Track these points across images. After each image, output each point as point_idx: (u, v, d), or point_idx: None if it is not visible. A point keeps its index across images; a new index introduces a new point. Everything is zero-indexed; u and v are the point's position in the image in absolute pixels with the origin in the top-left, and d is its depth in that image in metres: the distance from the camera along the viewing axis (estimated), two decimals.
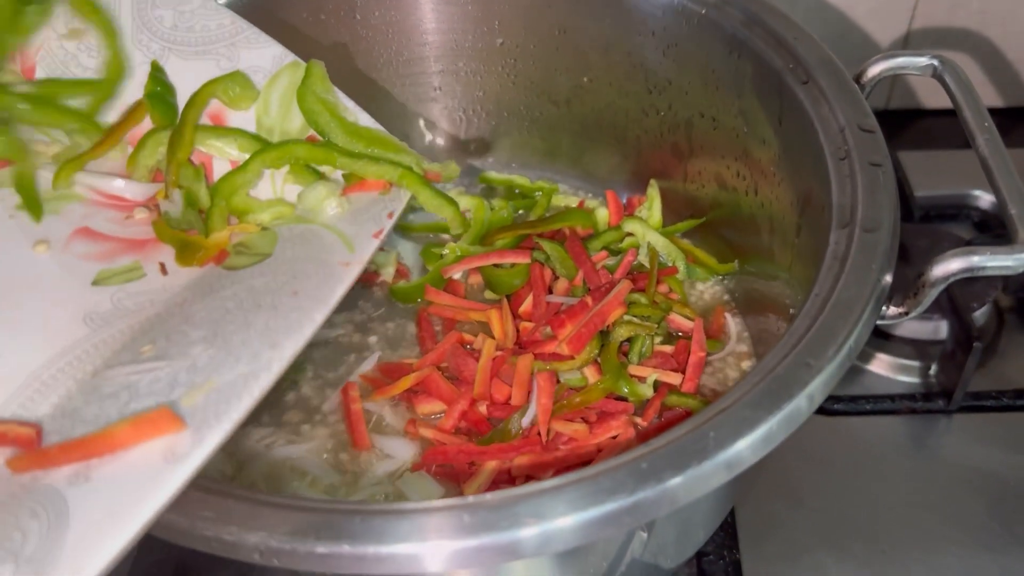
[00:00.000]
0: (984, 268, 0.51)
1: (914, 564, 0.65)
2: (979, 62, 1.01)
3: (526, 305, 0.70)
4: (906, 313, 0.54)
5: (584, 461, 0.60)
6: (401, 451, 0.64)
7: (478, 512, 0.41)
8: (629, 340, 0.68)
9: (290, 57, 0.70)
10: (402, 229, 0.82)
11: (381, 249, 0.79)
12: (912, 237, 0.81)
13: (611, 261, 0.75)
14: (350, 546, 0.40)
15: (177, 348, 0.53)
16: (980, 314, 0.77)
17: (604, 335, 0.67)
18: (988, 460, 0.72)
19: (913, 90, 1.04)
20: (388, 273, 0.77)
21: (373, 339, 0.72)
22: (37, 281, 0.59)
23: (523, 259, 0.74)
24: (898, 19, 0.98)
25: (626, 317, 0.68)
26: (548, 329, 0.68)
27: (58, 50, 0.69)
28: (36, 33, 0.69)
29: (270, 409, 0.67)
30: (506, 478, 0.60)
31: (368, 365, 0.69)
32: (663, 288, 0.74)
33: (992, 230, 0.88)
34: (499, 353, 0.66)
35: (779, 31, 0.66)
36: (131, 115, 0.69)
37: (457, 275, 0.76)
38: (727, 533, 0.67)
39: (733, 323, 0.73)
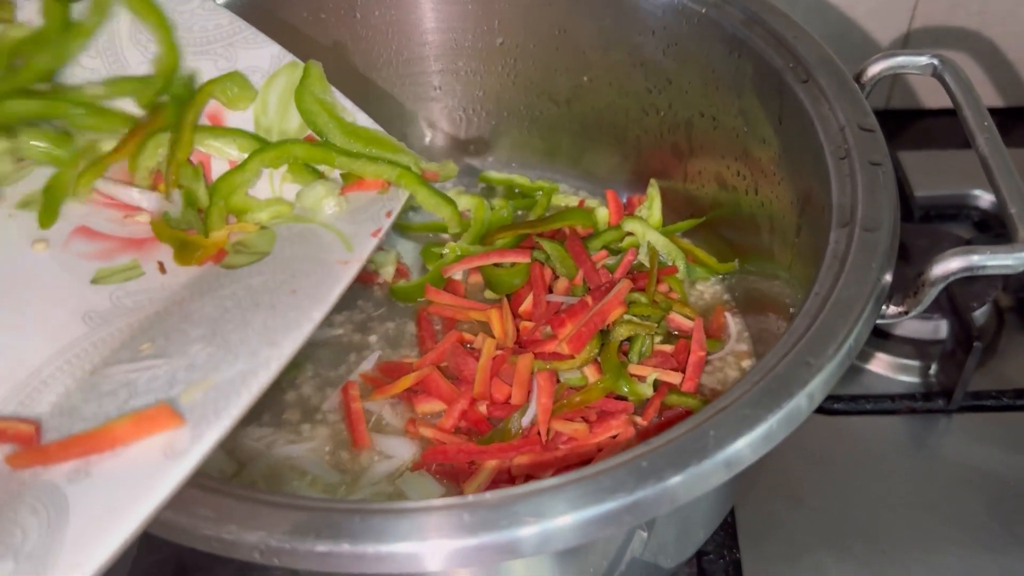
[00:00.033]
0: (984, 267, 0.51)
1: (914, 564, 0.65)
2: (979, 62, 1.01)
3: (526, 304, 0.70)
4: (906, 312, 0.54)
5: (584, 460, 0.60)
6: (401, 450, 0.64)
7: (478, 511, 0.41)
8: (629, 339, 0.68)
9: (288, 57, 0.70)
10: (402, 228, 0.82)
11: (380, 248, 0.79)
12: (912, 237, 0.81)
13: (611, 260, 0.75)
14: (350, 545, 0.40)
15: (176, 346, 0.53)
16: (980, 314, 0.77)
17: (604, 334, 0.67)
18: (988, 460, 0.72)
19: (913, 90, 1.04)
20: (388, 272, 0.77)
21: (373, 338, 0.72)
22: (36, 280, 0.59)
23: (523, 258, 0.74)
24: (898, 18, 0.98)
25: (626, 316, 0.68)
26: (548, 328, 0.68)
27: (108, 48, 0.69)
28: (97, 33, 0.69)
29: (270, 408, 0.67)
30: (506, 477, 0.60)
31: (368, 364, 0.69)
32: (663, 287, 0.74)
33: (992, 230, 0.88)
34: (499, 352, 0.66)
35: (779, 30, 0.66)
36: (156, 117, 0.68)
37: (457, 274, 0.76)
38: (727, 532, 0.67)
39: (733, 322, 0.73)
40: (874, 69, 0.66)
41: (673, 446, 0.43)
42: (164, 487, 0.43)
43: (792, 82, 0.63)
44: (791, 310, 0.61)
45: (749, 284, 0.73)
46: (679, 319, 0.70)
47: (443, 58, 0.83)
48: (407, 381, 0.65)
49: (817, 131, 0.60)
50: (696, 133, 0.76)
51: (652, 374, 0.65)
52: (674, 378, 0.66)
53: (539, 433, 0.61)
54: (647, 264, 0.74)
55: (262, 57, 0.70)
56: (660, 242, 0.76)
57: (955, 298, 0.75)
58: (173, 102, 0.68)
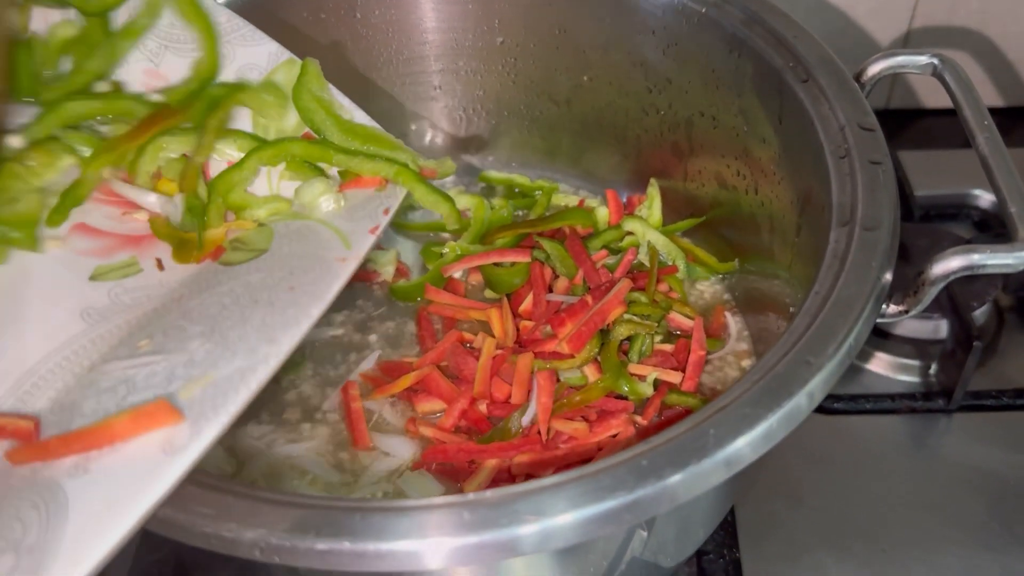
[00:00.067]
0: (984, 266, 0.51)
1: (914, 563, 0.65)
2: (979, 61, 1.01)
3: (526, 304, 0.70)
4: (906, 311, 0.54)
5: (584, 460, 0.60)
6: (401, 450, 0.64)
7: (478, 509, 0.41)
8: (629, 339, 0.68)
9: (286, 54, 0.70)
10: (402, 228, 0.82)
11: (380, 248, 0.79)
12: (912, 236, 0.81)
13: (611, 260, 0.75)
14: (350, 543, 0.40)
15: (174, 343, 0.53)
16: (980, 313, 0.77)
17: (604, 334, 0.67)
18: (988, 459, 0.72)
19: (913, 90, 1.04)
20: (388, 272, 0.77)
21: (373, 338, 0.72)
22: (35, 276, 0.59)
23: (523, 258, 0.74)
24: (898, 18, 0.98)
25: (626, 316, 0.68)
26: (548, 328, 0.68)
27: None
28: (148, 34, 0.69)
29: (270, 407, 0.67)
30: (506, 477, 0.60)
31: (368, 364, 0.69)
32: (663, 287, 0.74)
33: (992, 229, 0.88)
34: (499, 352, 0.66)
35: (779, 30, 0.66)
36: (166, 115, 0.67)
37: (457, 274, 0.76)
38: (727, 532, 0.67)
39: (733, 322, 0.73)
40: (874, 68, 0.66)
41: (673, 445, 0.43)
42: (163, 483, 0.43)
43: (792, 81, 0.63)
44: (791, 309, 0.61)
45: (749, 283, 0.73)
46: (679, 318, 0.70)
47: (443, 57, 0.83)
48: (407, 380, 0.65)
49: (817, 130, 0.60)
50: (696, 132, 0.76)
51: (652, 373, 0.65)
52: (674, 377, 0.66)
53: (539, 432, 0.61)
54: (647, 263, 0.75)
55: (259, 54, 0.70)
56: (660, 241, 0.76)
57: (955, 298, 0.75)
58: (201, 103, 0.68)
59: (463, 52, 0.83)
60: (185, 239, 0.64)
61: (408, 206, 0.84)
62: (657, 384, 0.65)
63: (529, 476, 0.59)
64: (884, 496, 0.69)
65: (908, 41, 1.00)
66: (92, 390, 0.51)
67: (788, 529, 0.67)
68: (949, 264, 0.51)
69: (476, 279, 0.76)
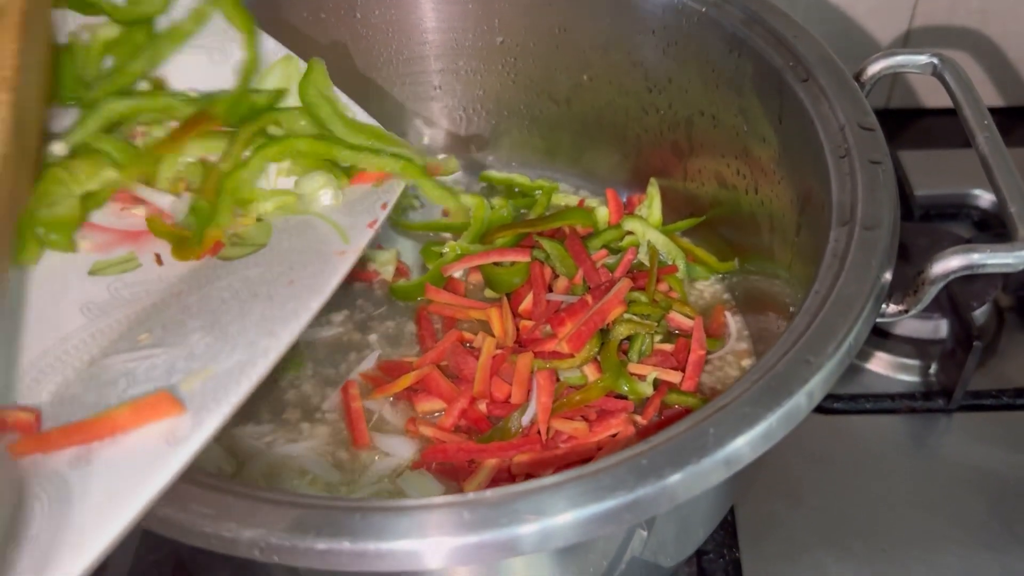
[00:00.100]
0: (984, 265, 0.51)
1: (914, 563, 0.65)
2: (979, 61, 1.01)
3: (526, 303, 0.70)
4: (906, 311, 0.54)
5: (584, 459, 0.60)
6: (401, 449, 0.64)
7: (478, 509, 0.41)
8: (629, 338, 0.68)
9: (283, 51, 0.70)
10: (402, 227, 0.82)
11: (380, 247, 0.79)
12: (912, 236, 0.81)
13: (611, 259, 0.75)
14: (350, 542, 0.40)
15: (174, 337, 0.54)
16: (980, 313, 0.77)
17: (604, 333, 0.67)
18: (988, 459, 0.72)
19: (913, 89, 1.04)
20: (388, 271, 0.77)
21: (373, 337, 0.72)
22: (34, 271, 0.59)
23: (523, 257, 0.74)
24: (898, 17, 0.98)
25: (626, 315, 0.68)
26: (548, 327, 0.68)
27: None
28: (196, 36, 0.69)
29: (270, 407, 0.67)
30: (506, 476, 0.60)
31: (368, 363, 0.69)
32: (663, 286, 0.74)
33: (992, 229, 0.88)
34: (499, 351, 0.66)
35: (779, 29, 0.66)
36: (195, 120, 0.67)
37: (457, 273, 0.76)
38: (727, 531, 0.67)
39: (733, 321, 0.73)
40: (874, 68, 0.66)
41: (673, 444, 0.43)
42: (166, 472, 0.43)
43: (792, 81, 0.63)
44: (791, 309, 0.61)
45: (749, 283, 0.73)
46: (679, 318, 0.70)
47: (443, 57, 0.83)
48: (407, 380, 0.65)
49: (817, 130, 0.60)
50: (696, 132, 0.76)
51: (652, 373, 0.65)
52: (674, 377, 0.66)
53: (539, 432, 0.61)
54: (647, 263, 0.74)
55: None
56: (660, 241, 0.76)
57: (955, 297, 0.75)
58: (241, 108, 0.68)
59: (463, 52, 0.83)
60: (184, 236, 0.64)
61: (408, 206, 0.84)
62: (657, 384, 0.65)
63: (529, 476, 0.59)
64: (884, 496, 0.69)
65: (908, 41, 1.00)
66: (93, 383, 0.51)
67: (788, 529, 0.67)
68: (949, 263, 0.51)
69: (476, 279, 0.76)
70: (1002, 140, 0.58)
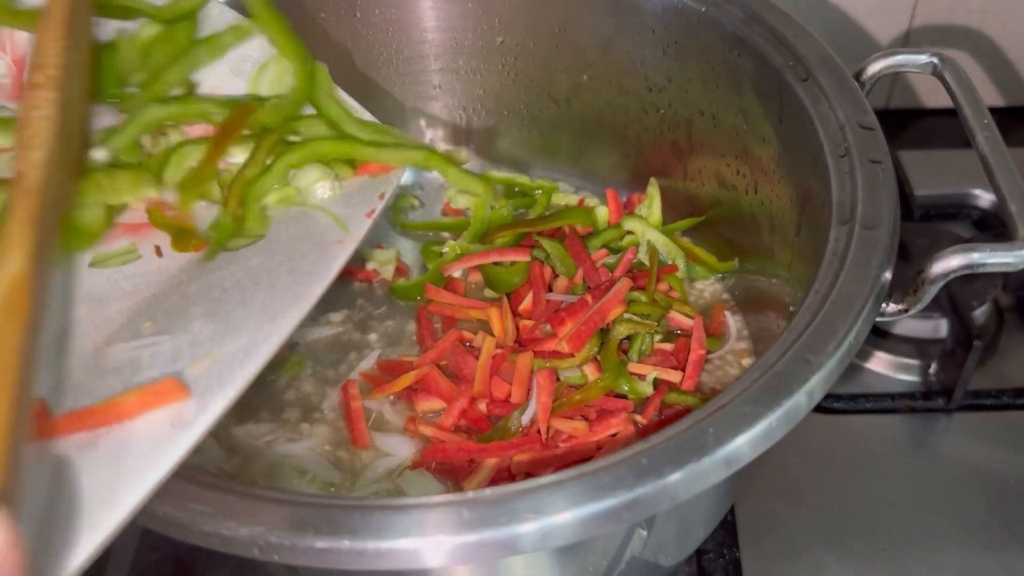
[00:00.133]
0: (984, 264, 0.51)
1: (914, 562, 0.65)
2: (979, 60, 1.01)
3: (526, 303, 0.70)
4: (906, 310, 0.54)
5: (584, 459, 0.60)
6: (401, 449, 0.64)
7: (478, 508, 0.41)
8: (629, 338, 0.68)
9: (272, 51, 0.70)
10: (402, 227, 0.82)
11: (380, 247, 0.79)
12: (912, 236, 0.81)
13: (611, 259, 0.75)
14: (350, 541, 0.40)
15: (177, 324, 0.54)
16: (980, 313, 0.77)
17: (604, 333, 0.67)
18: (988, 459, 0.72)
19: (913, 89, 1.04)
20: (388, 271, 0.77)
21: (373, 337, 0.72)
22: None
23: (523, 257, 0.74)
24: (898, 17, 0.98)
25: (626, 315, 0.68)
26: (548, 327, 0.68)
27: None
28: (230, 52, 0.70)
29: (270, 407, 0.67)
30: (506, 476, 0.60)
31: (368, 363, 0.69)
32: (663, 286, 0.74)
33: (992, 229, 0.88)
34: (499, 351, 0.66)
35: (779, 29, 0.66)
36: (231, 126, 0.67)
37: (457, 273, 0.76)
38: (727, 531, 0.67)
39: (733, 321, 0.73)
40: (874, 67, 0.66)
41: (673, 443, 0.43)
42: (172, 455, 0.44)
43: (792, 80, 0.63)
44: (791, 308, 0.61)
45: (749, 283, 0.73)
46: (679, 318, 0.70)
47: (443, 57, 0.83)
48: (407, 379, 0.65)
49: (817, 129, 0.60)
50: (696, 132, 0.76)
51: (652, 372, 0.65)
52: (674, 376, 0.66)
53: (539, 431, 0.61)
54: (647, 263, 0.74)
55: (252, 47, 0.70)
56: (660, 241, 0.76)
57: (955, 297, 0.75)
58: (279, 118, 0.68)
59: (463, 51, 0.83)
60: (183, 228, 0.64)
61: (408, 206, 0.84)
62: (657, 383, 0.65)
63: (529, 475, 0.59)
64: (884, 495, 0.69)
65: (908, 40, 1.00)
66: (97, 371, 0.51)
67: (788, 528, 0.67)
68: (949, 263, 0.51)
69: (476, 278, 0.76)
70: (1002, 140, 0.58)
